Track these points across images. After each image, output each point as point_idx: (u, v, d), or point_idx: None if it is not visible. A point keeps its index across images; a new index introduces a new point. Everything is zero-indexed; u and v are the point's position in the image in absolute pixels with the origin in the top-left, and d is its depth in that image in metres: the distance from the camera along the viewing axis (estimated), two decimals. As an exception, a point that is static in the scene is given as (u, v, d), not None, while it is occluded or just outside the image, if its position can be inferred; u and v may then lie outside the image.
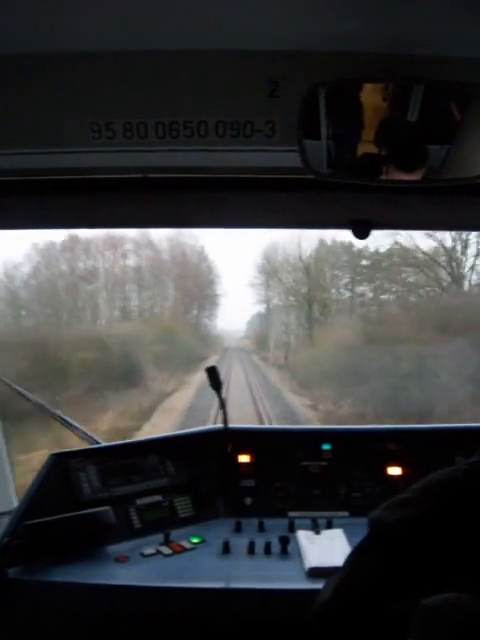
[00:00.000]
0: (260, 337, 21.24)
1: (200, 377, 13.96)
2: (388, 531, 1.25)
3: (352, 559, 1.34)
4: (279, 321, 19.27)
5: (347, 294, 17.27)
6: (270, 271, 18.31)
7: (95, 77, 1.49)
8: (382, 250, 15.29)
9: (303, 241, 16.63)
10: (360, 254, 16.20)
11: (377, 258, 15.65)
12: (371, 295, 16.79)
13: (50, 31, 1.40)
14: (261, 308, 20.35)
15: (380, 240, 14.21)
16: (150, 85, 1.50)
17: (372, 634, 1.26)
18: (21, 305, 15.93)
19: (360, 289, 16.91)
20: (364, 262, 16.46)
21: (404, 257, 15.11)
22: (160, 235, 17.57)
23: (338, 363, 13.57)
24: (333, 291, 17.60)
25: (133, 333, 15.67)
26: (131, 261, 17.60)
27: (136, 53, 1.47)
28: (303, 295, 17.64)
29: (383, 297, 16.61)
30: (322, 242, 16.23)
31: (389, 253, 15.35)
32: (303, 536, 2.11)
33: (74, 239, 15.67)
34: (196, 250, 18.45)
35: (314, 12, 1.31)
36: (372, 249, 15.52)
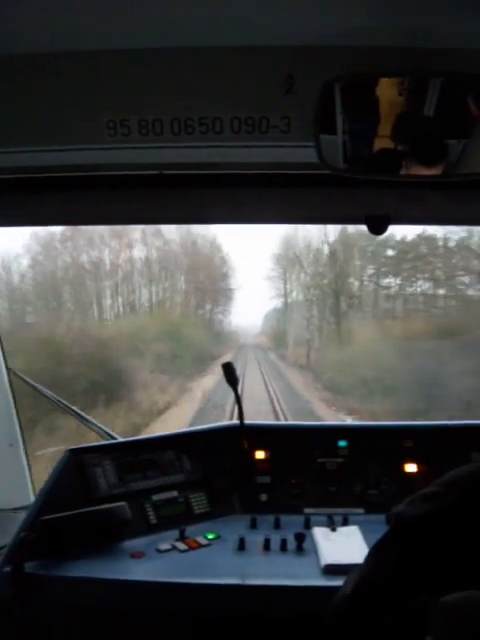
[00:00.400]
0: (277, 333, 19.72)
1: (208, 383, 12.61)
2: (412, 525, 1.24)
3: (373, 554, 1.34)
4: (299, 316, 17.51)
5: (372, 286, 15.65)
6: (291, 259, 16.79)
7: (110, 74, 1.50)
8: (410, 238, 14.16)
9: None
10: (385, 243, 14.86)
11: (402, 248, 14.51)
12: (397, 287, 15.17)
13: (65, 29, 1.40)
14: (278, 302, 18.83)
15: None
16: (165, 82, 1.50)
17: (392, 631, 1.26)
18: (17, 299, 13.96)
19: (385, 281, 15.40)
20: (390, 252, 15.14)
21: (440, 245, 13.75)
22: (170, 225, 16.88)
23: (390, 366, 11.22)
24: (355, 282, 16.04)
25: (131, 330, 13.71)
26: (138, 252, 16.26)
27: (151, 50, 1.47)
28: (327, 285, 16.02)
29: (410, 289, 15.01)
30: (344, 228, 15.11)
31: (425, 239, 14.04)
32: (319, 533, 2.11)
33: (75, 227, 14.80)
34: (208, 240, 17.19)
35: (329, 7, 1.30)
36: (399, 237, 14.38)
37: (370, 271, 15.82)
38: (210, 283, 18.06)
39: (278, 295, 18.43)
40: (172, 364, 12.91)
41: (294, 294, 18.09)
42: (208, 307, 18.30)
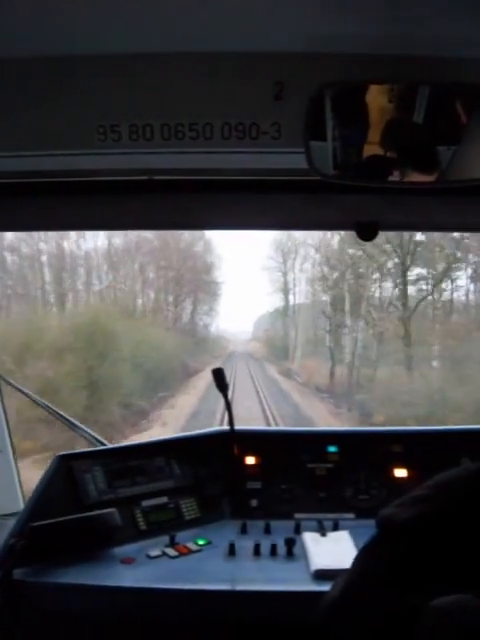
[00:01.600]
0: (274, 340, 15.77)
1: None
2: (402, 527, 1.25)
3: (362, 556, 1.34)
4: (310, 315, 13.26)
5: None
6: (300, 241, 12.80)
7: (101, 79, 1.50)
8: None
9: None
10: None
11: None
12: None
13: (56, 34, 1.40)
14: (277, 300, 15.04)
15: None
16: (156, 87, 1.50)
17: (380, 634, 1.26)
18: None
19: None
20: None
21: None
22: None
23: None
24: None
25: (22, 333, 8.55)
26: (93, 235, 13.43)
27: (142, 55, 1.47)
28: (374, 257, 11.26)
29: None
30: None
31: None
32: (309, 538, 2.10)
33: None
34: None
35: (320, 14, 1.31)
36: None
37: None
38: (191, 275, 14.53)
39: (278, 290, 14.61)
40: (87, 399, 7.34)
41: (299, 289, 13.95)
42: (188, 307, 14.49)
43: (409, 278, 12.00)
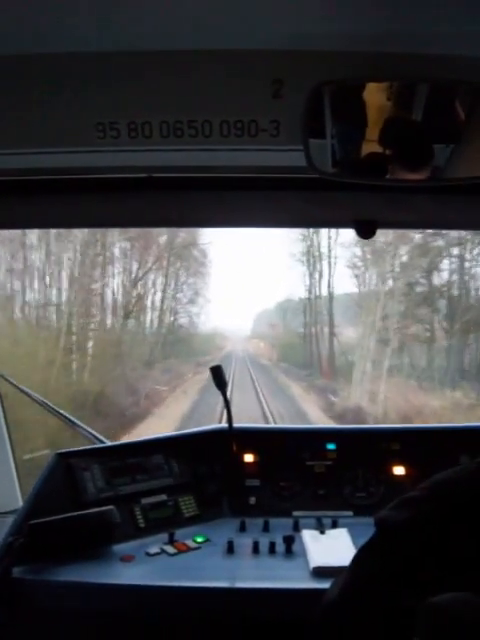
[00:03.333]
0: (289, 337, 10.96)
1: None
2: (395, 530, 1.25)
3: (358, 558, 1.35)
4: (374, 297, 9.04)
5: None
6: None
7: (99, 77, 1.49)
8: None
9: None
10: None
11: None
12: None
13: (54, 31, 1.40)
14: (298, 279, 10.54)
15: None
16: (154, 85, 1.50)
17: (378, 634, 1.27)
18: None
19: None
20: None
21: None
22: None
23: None
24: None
25: None
26: None
27: (140, 53, 1.47)
28: None
29: None
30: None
31: None
32: (308, 536, 2.11)
33: None
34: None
35: (318, 11, 1.31)
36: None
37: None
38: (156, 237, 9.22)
39: (300, 260, 10.09)
40: None
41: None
42: (157, 288, 9.69)
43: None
